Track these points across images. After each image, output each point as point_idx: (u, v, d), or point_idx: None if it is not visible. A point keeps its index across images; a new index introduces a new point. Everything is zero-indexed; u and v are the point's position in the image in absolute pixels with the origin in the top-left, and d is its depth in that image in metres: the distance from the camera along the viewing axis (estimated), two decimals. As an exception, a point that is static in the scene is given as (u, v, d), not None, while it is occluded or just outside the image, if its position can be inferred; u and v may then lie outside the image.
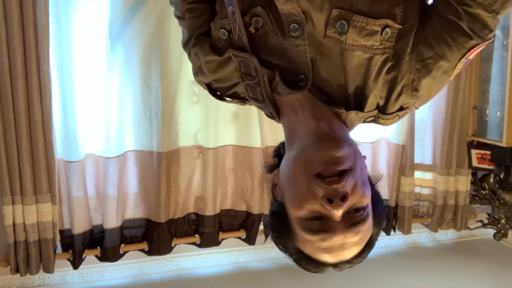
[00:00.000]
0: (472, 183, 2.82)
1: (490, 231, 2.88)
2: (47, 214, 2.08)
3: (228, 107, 2.33)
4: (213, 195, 2.36)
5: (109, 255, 2.24)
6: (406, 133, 2.60)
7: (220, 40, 0.89)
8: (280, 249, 0.84)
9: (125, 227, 2.30)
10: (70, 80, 2.10)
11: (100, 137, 2.20)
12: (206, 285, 2.34)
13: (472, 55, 0.81)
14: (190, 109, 2.32)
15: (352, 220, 0.75)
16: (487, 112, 2.63)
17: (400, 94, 0.83)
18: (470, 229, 2.84)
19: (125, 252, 2.30)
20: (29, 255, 2.09)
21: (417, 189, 2.76)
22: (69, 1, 2.06)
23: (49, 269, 2.13)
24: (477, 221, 2.86)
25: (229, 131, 2.39)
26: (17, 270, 2.10)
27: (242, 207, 2.45)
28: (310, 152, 0.78)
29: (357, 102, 0.84)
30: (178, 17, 0.96)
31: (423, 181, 2.77)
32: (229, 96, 0.96)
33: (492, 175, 2.76)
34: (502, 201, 2.71)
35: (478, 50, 0.81)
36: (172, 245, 2.35)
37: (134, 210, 2.31)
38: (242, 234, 2.46)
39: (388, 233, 2.70)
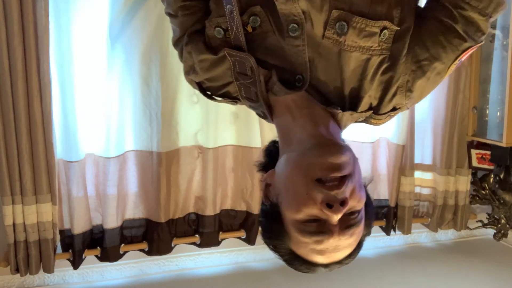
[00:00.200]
0: (472, 183, 2.81)
1: (490, 231, 2.88)
2: (47, 214, 2.08)
3: (228, 107, 2.32)
4: (213, 195, 2.36)
5: (109, 255, 2.24)
6: (406, 133, 2.59)
7: (215, 38, 0.88)
8: (271, 249, 0.85)
9: (125, 227, 2.30)
10: (70, 80, 2.10)
11: (100, 137, 2.20)
12: (206, 285, 2.34)
13: (464, 57, 0.83)
14: (190, 109, 2.31)
15: (347, 222, 0.76)
16: (487, 112, 2.63)
17: (394, 95, 0.84)
18: (470, 229, 2.84)
19: (125, 252, 2.30)
20: (29, 255, 2.09)
21: (417, 189, 2.75)
22: (69, 1, 2.06)
23: (49, 269, 2.13)
24: (477, 221, 2.86)
25: (229, 131, 2.38)
26: (17, 270, 2.10)
27: (242, 207, 2.45)
28: (311, 157, 0.77)
29: (352, 102, 0.85)
30: (170, 15, 0.94)
31: (423, 181, 2.77)
32: (220, 96, 0.95)
33: (492, 175, 2.76)
34: (502, 201, 2.71)
35: (470, 52, 0.83)
36: (172, 245, 2.35)
37: (134, 210, 2.31)
38: (242, 234, 2.46)
39: (388, 233, 2.70)
